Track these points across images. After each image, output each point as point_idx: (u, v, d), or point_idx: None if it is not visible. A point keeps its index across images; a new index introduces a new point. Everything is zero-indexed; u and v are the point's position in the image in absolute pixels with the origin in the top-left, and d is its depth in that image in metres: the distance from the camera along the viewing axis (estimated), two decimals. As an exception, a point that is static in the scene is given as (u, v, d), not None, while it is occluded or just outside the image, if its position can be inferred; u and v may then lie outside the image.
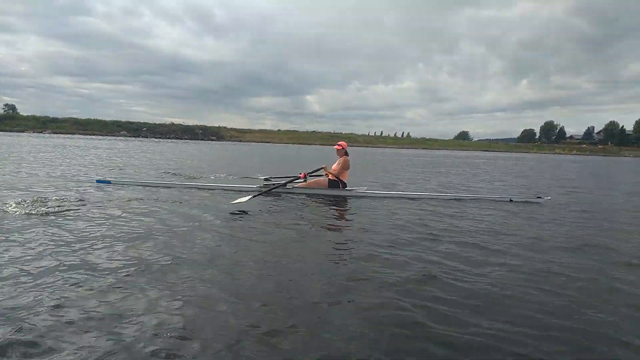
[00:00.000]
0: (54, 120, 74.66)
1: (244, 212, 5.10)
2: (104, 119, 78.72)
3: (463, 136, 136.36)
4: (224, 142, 66.29)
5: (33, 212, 4.51)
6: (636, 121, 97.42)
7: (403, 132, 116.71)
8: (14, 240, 3.39)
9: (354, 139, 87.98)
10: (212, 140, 70.68)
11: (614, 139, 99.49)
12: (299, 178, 6.92)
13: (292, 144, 73.68)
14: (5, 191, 5.94)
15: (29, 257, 2.99)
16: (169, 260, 3.06)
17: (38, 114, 76.39)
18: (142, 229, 3.99)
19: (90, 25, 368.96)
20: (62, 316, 2.11)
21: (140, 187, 6.91)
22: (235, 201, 5.37)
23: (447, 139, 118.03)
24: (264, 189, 6.46)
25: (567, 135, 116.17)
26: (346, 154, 7.08)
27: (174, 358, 1.78)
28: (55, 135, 52.52)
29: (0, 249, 3.17)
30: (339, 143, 7.21)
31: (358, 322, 2.21)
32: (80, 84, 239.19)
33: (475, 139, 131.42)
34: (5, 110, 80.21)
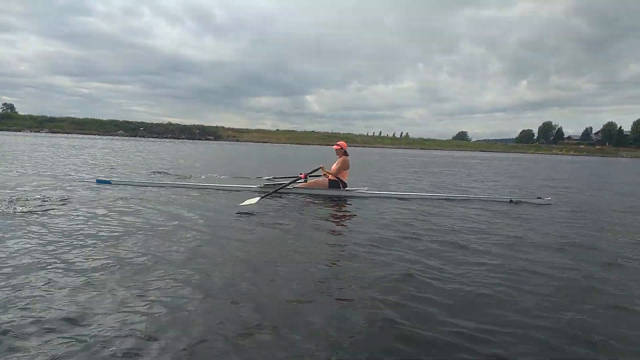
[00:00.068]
0: (52, 119, 74.46)
1: (241, 213, 5.06)
2: (101, 119, 78.63)
3: (462, 136, 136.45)
4: (221, 142, 66.19)
5: (18, 211, 4.48)
6: (634, 122, 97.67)
7: (402, 132, 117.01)
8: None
9: (351, 139, 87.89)
10: (210, 140, 70.55)
11: (612, 139, 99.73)
12: (299, 178, 6.86)
13: (290, 144, 73.63)
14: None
15: (4, 256, 2.97)
16: (146, 260, 3.04)
17: (37, 114, 76.32)
18: (129, 229, 3.96)
19: (90, 25, 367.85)
20: (28, 316, 2.09)
21: (142, 188, 6.87)
22: (243, 203, 5.32)
23: (445, 139, 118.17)
24: (269, 190, 6.42)
25: (566, 136, 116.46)
26: (345, 154, 7.05)
27: (133, 357, 1.77)
28: (51, 135, 52.37)
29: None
30: (337, 143, 7.16)
31: (329, 321, 2.19)
32: (80, 83, 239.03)
33: (474, 140, 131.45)
34: (3, 110, 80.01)
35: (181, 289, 2.53)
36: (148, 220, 4.37)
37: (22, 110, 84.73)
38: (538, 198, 7.14)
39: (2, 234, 3.52)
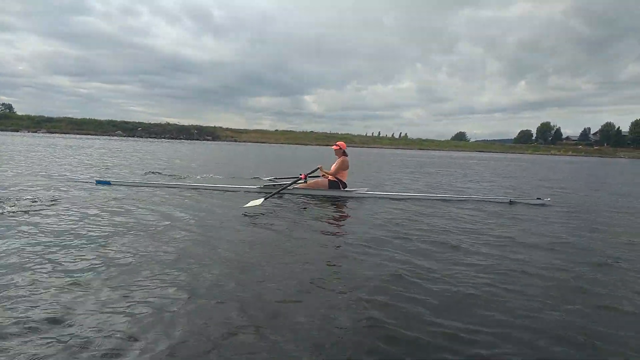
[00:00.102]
0: (49, 119, 74.11)
1: (236, 214, 5.04)
2: (99, 119, 78.39)
3: (460, 137, 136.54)
4: (219, 142, 66.12)
5: (9, 211, 4.47)
6: (632, 122, 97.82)
7: (401, 133, 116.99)
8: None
9: (350, 139, 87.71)
10: (208, 140, 70.44)
11: (610, 140, 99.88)
12: (300, 179, 6.82)
13: (289, 144, 73.58)
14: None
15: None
16: (134, 261, 3.03)
17: (36, 114, 75.95)
18: (121, 229, 3.95)
19: (89, 24, 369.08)
20: (10, 316, 2.08)
21: (141, 188, 6.85)
22: (248, 204, 5.31)
23: (444, 139, 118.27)
24: (272, 191, 6.41)
25: (564, 136, 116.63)
26: (344, 154, 7.03)
27: (112, 358, 1.75)
28: (49, 135, 52.23)
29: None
30: (337, 143, 7.13)
31: (313, 322, 2.18)
32: (79, 83, 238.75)
33: (472, 140, 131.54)
34: (1, 110, 79.73)
35: (166, 289, 2.52)
36: (141, 221, 4.36)
37: (20, 110, 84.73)
38: (538, 199, 7.16)
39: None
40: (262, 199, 5.54)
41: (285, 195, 6.67)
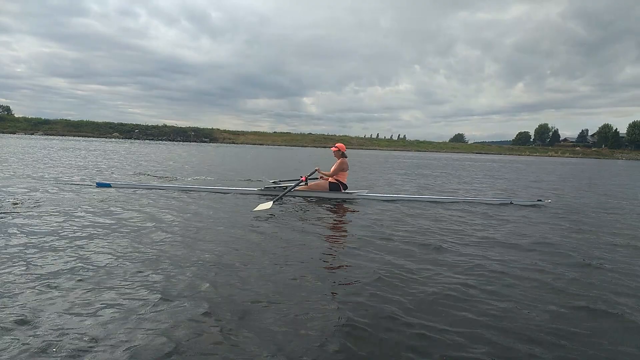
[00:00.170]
0: (46, 121, 73.97)
1: (232, 215, 5.03)
2: (96, 121, 78.21)
3: (458, 139, 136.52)
4: (216, 144, 66.06)
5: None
6: (629, 124, 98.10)
7: (399, 134, 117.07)
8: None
9: (347, 141, 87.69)
10: (205, 142, 70.36)
11: (608, 141, 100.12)
12: (301, 181, 6.80)
13: (286, 146, 73.55)
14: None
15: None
16: (111, 262, 3.03)
17: (34, 116, 75.89)
18: (107, 231, 3.96)
19: (86, 26, 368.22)
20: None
21: (141, 190, 6.86)
22: (257, 208, 5.32)
23: (442, 141, 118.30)
24: (275, 193, 6.42)
25: (562, 138, 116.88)
26: (343, 155, 7.03)
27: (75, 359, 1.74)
28: (45, 137, 52.13)
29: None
30: (336, 145, 7.13)
31: (283, 323, 2.17)
32: (77, 85, 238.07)
33: (470, 142, 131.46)
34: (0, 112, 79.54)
35: (139, 291, 2.51)
36: (131, 223, 4.37)
37: (18, 112, 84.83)
38: (539, 200, 7.17)
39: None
40: (271, 203, 5.53)
41: (287, 197, 6.68)
